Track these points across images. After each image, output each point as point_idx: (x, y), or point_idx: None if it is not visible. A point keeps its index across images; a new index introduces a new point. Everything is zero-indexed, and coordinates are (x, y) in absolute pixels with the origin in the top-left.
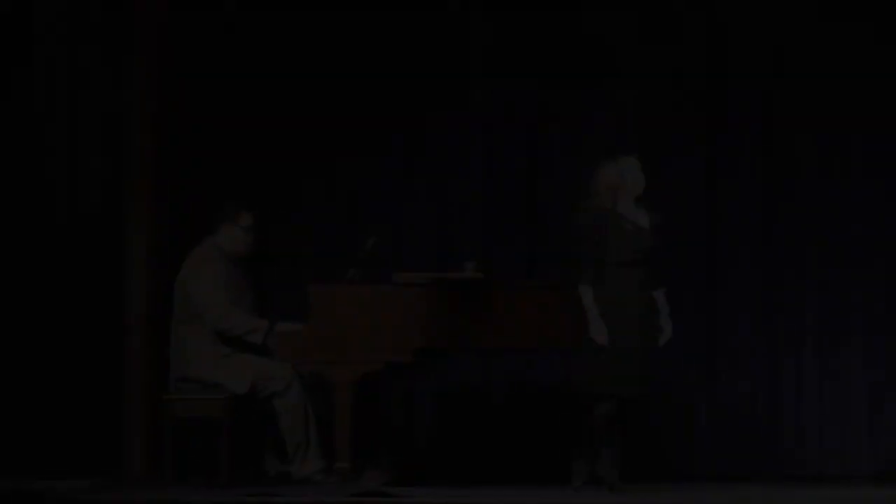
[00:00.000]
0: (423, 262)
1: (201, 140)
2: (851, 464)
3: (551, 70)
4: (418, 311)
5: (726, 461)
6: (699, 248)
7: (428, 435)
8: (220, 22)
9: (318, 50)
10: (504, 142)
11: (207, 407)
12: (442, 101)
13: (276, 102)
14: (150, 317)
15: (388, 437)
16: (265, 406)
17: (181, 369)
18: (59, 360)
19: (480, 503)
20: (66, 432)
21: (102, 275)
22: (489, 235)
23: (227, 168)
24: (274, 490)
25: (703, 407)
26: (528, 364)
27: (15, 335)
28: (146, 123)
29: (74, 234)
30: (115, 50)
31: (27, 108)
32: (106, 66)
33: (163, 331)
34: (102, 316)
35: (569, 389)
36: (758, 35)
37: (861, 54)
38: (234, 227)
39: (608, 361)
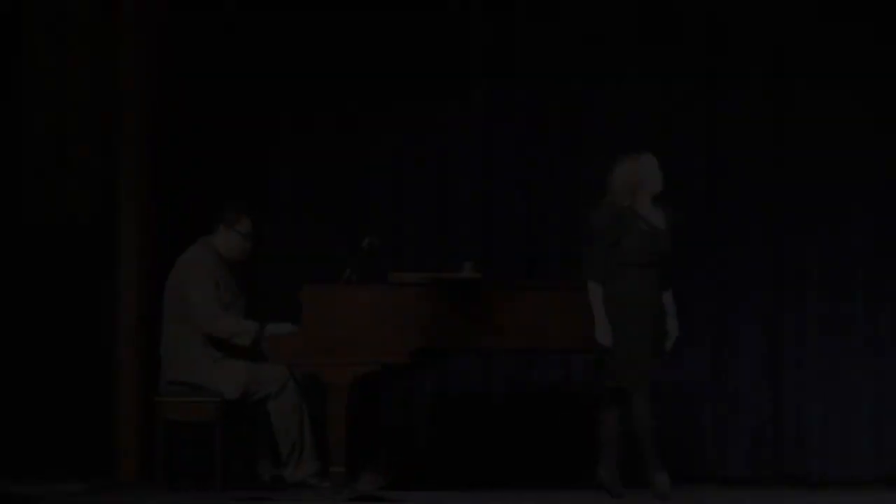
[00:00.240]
0: (421, 262)
1: (197, 139)
2: (856, 468)
3: (551, 70)
4: (415, 312)
5: (729, 465)
6: (699, 248)
7: (426, 437)
8: (219, 21)
9: (316, 49)
10: (503, 142)
11: (199, 410)
12: (441, 101)
13: (274, 101)
14: (143, 318)
15: (384, 440)
16: (259, 408)
17: (172, 372)
18: (51, 363)
19: None
20: (58, 436)
21: (95, 276)
22: (488, 235)
23: (223, 167)
24: (268, 494)
25: (706, 411)
26: (528, 365)
27: (5, 338)
28: (141, 123)
29: (65, 235)
30: (112, 48)
31: (17, 106)
32: (101, 64)
33: (156, 333)
34: (94, 318)
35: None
36: (758, 35)
37: (861, 54)
38: (232, 231)
39: (615, 362)
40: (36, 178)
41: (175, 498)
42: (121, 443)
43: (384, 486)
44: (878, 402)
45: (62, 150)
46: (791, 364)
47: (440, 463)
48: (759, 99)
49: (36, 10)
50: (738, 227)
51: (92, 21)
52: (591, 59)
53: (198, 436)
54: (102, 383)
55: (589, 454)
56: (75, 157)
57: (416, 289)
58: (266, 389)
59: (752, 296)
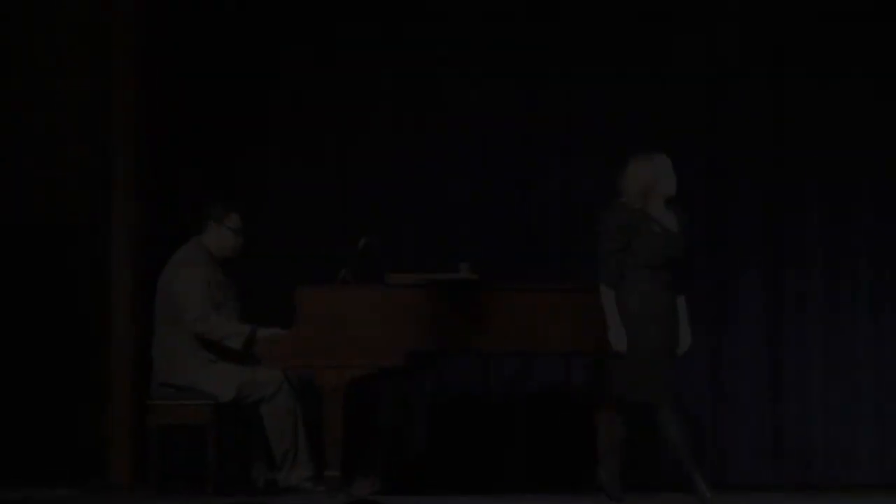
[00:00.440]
0: (418, 263)
1: (192, 139)
2: (858, 472)
3: (548, 70)
4: (412, 314)
5: (729, 470)
6: (698, 249)
7: (422, 441)
8: (214, 20)
9: (311, 46)
10: (500, 142)
11: (192, 413)
12: (438, 101)
13: (269, 100)
14: (136, 319)
15: (380, 444)
16: (252, 412)
17: (164, 374)
18: (42, 365)
19: None
20: (49, 439)
21: (86, 276)
22: (485, 236)
23: (219, 167)
24: (262, 499)
25: (706, 414)
26: (526, 368)
27: None
28: (136, 123)
29: (58, 235)
30: (107, 48)
31: (3, 102)
32: (97, 64)
33: (148, 334)
34: (86, 319)
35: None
36: (757, 35)
37: (860, 54)
38: (222, 228)
39: (629, 367)
40: (28, 177)
41: (167, 502)
42: (113, 446)
43: (379, 490)
44: (880, 406)
45: (56, 150)
46: (792, 367)
47: (437, 467)
48: (759, 99)
49: (32, 9)
50: (737, 228)
51: (88, 21)
52: (590, 59)
53: (191, 439)
54: (94, 385)
55: (588, 458)
56: (69, 157)
57: (413, 290)
58: (260, 392)
59: (751, 297)
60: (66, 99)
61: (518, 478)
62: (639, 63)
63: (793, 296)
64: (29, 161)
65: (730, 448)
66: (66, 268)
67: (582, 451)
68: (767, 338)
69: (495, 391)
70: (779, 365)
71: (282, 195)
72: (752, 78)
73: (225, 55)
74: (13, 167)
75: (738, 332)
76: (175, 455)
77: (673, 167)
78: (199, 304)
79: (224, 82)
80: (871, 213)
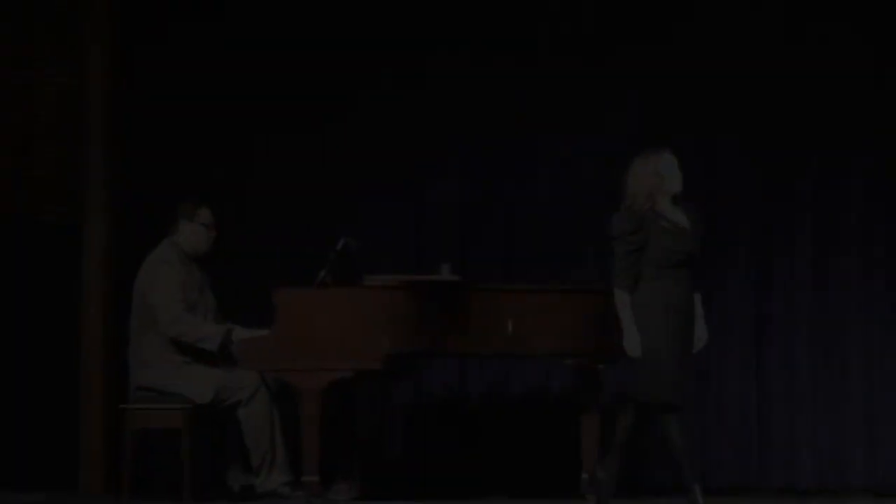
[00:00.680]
0: (398, 265)
1: (168, 139)
2: (845, 476)
3: (540, 70)
4: (389, 316)
5: (715, 473)
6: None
7: (401, 446)
8: (185, 13)
9: (292, 46)
10: (482, 142)
11: (167, 417)
12: (419, 102)
13: (248, 99)
14: (110, 322)
15: (358, 448)
16: (228, 415)
17: (140, 377)
18: (13, 368)
19: None
20: (21, 444)
21: (59, 276)
22: (467, 237)
23: (196, 167)
24: None
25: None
26: (508, 371)
27: None
28: (111, 123)
29: (31, 235)
30: (82, 47)
31: None
32: (71, 63)
33: (123, 336)
34: (59, 321)
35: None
36: (755, 36)
37: (859, 54)
38: (194, 225)
39: (648, 369)
40: (2, 176)
41: None
42: (86, 451)
43: (358, 496)
44: (868, 409)
45: (31, 146)
46: (778, 369)
47: (415, 472)
48: (758, 98)
49: (7, 3)
50: (732, 230)
51: (63, 21)
52: (587, 58)
53: (166, 444)
54: (67, 389)
55: (569, 463)
56: (44, 153)
57: (393, 292)
58: (237, 396)
59: (739, 298)
60: (42, 94)
61: (498, 483)
62: (636, 63)
63: (781, 298)
64: (2, 157)
65: (713, 451)
66: (39, 268)
67: (563, 456)
68: (754, 338)
69: (475, 395)
70: (764, 368)
71: (260, 195)
72: (750, 78)
73: (202, 50)
74: None
75: (725, 333)
76: (149, 460)
77: (679, 164)
78: (172, 307)
79: (202, 78)
80: (866, 213)
